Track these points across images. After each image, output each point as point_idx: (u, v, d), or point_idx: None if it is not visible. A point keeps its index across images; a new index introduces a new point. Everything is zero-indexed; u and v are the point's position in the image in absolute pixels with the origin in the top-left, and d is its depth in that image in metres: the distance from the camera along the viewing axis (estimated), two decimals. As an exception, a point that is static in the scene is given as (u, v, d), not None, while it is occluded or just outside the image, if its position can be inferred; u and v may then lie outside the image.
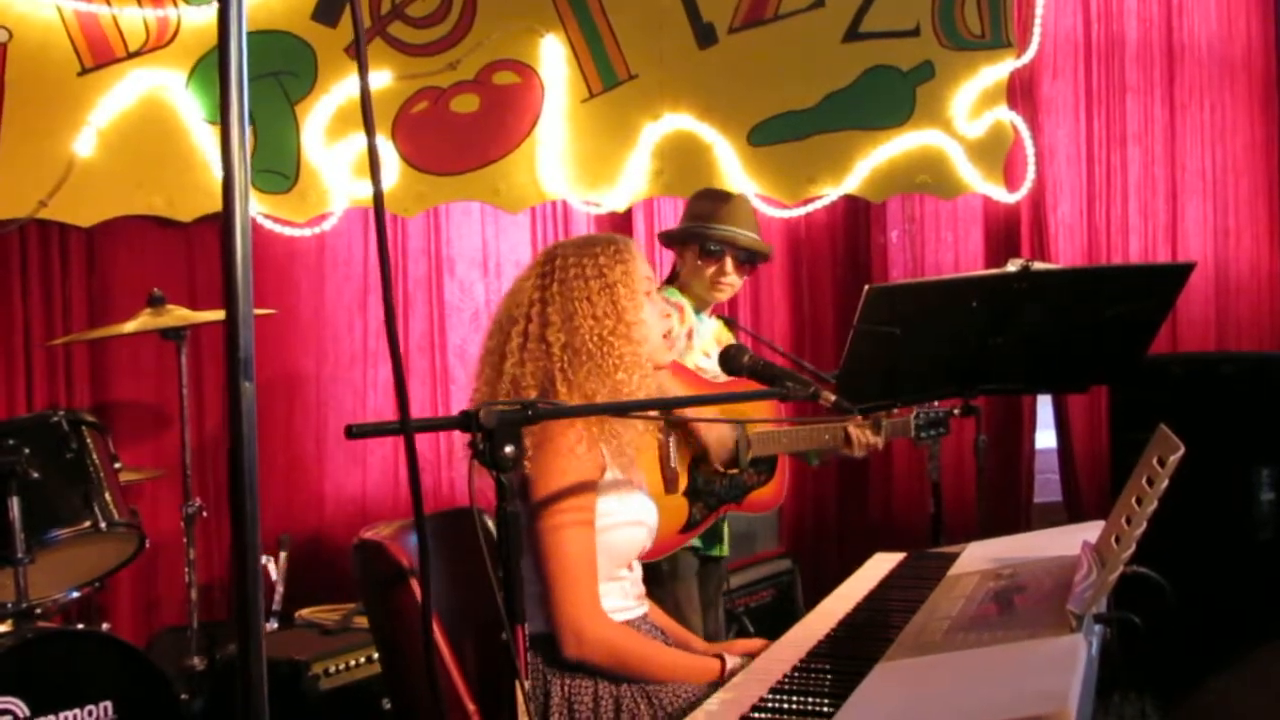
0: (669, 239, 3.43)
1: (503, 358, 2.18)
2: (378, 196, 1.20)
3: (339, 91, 3.93)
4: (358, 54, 1.15)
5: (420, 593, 2.03)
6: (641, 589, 2.28)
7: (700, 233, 3.26)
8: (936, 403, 3.29)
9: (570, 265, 2.20)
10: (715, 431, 3.06)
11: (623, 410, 2.05)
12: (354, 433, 1.54)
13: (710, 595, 3.37)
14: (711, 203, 3.36)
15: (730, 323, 3.47)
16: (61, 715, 2.70)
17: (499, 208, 4.27)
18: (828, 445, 3.20)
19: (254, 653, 1.00)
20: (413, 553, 2.10)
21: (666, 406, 2.12)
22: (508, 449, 1.65)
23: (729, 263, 3.25)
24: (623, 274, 2.21)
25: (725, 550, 3.36)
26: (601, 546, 2.11)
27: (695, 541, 3.13)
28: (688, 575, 3.17)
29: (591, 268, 2.19)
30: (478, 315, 4.32)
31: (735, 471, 3.11)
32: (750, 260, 3.32)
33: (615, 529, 2.14)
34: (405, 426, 1.24)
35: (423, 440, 4.22)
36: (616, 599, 2.17)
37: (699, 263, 3.26)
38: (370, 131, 1.15)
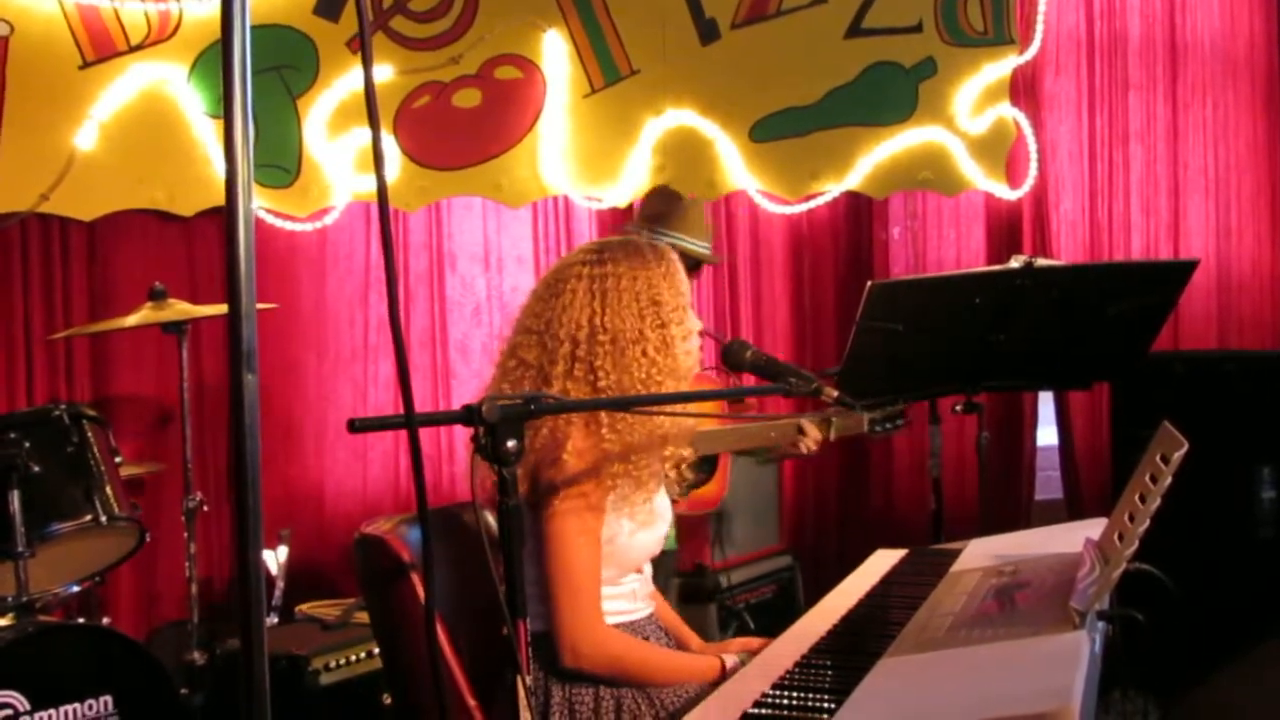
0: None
1: (547, 381, 2.07)
2: (382, 190, 1.20)
3: (341, 86, 3.92)
4: (362, 48, 1.15)
5: (423, 587, 2.03)
6: (651, 587, 2.27)
7: (649, 237, 3.23)
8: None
9: (624, 288, 2.08)
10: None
11: (624, 405, 2.04)
12: (356, 426, 1.54)
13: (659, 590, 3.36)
14: (663, 205, 3.37)
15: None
16: (62, 709, 2.70)
17: (500, 203, 4.26)
18: (773, 443, 3.10)
19: (256, 646, 1.00)
20: (413, 547, 2.10)
21: (662, 403, 2.11)
22: (510, 444, 1.64)
23: None
24: (674, 302, 2.13)
25: (673, 545, 3.36)
26: (613, 556, 2.09)
27: None
28: None
29: (646, 294, 2.09)
30: (479, 310, 4.32)
31: None
32: (696, 267, 3.33)
33: (629, 538, 2.11)
34: (410, 420, 1.24)
35: (423, 435, 4.18)
36: (625, 602, 2.16)
37: None
38: (375, 125, 1.15)
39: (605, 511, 2.07)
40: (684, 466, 2.19)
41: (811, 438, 3.04)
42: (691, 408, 3.05)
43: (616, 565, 2.10)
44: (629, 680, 2.06)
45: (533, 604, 2.00)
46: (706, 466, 3.18)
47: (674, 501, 3.10)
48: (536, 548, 2.04)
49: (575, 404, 2.01)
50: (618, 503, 2.08)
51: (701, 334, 3.39)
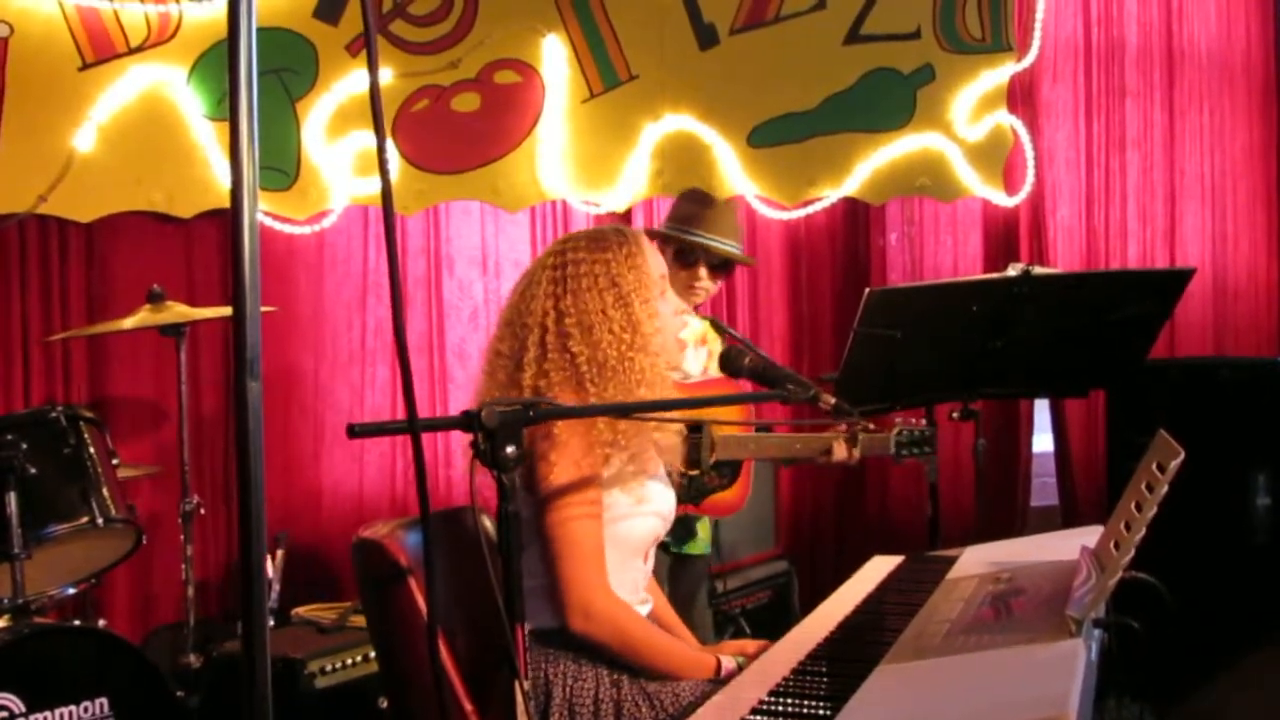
0: (650, 237, 3.42)
1: (520, 367, 2.14)
2: (386, 194, 1.20)
3: (340, 89, 3.93)
4: (368, 52, 1.15)
5: (420, 591, 2.04)
6: (648, 581, 2.29)
7: (676, 237, 3.25)
8: (921, 421, 3.14)
9: (583, 273, 2.15)
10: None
11: (624, 412, 2.05)
12: (356, 432, 1.54)
13: (686, 594, 3.36)
14: (695, 206, 3.35)
15: (717, 324, 3.44)
16: (57, 711, 2.69)
17: (498, 207, 4.27)
18: (798, 455, 3.08)
19: (258, 650, 1.00)
20: (411, 551, 2.10)
21: (667, 408, 2.12)
22: (509, 449, 1.65)
23: (702, 270, 3.26)
24: (635, 282, 2.18)
25: (703, 549, 3.35)
26: (614, 537, 2.11)
27: (664, 539, 3.11)
28: (658, 577, 3.15)
29: (604, 277, 2.16)
30: (476, 314, 4.32)
31: (695, 473, 3.08)
32: (725, 266, 3.32)
33: (626, 519, 2.14)
34: (413, 426, 1.24)
35: (422, 439, 4.20)
36: (627, 592, 2.17)
37: (674, 265, 3.25)
38: (379, 130, 1.15)
39: (601, 485, 2.09)
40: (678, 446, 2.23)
41: (837, 458, 2.97)
42: (721, 416, 3.06)
43: (617, 548, 2.12)
44: (630, 655, 2.07)
45: (533, 602, 2.02)
46: (728, 471, 3.17)
47: (691, 505, 3.12)
48: (537, 530, 2.06)
49: (574, 410, 2.01)
50: (612, 478, 2.11)
51: (725, 337, 3.41)
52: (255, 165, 1.02)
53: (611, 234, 2.25)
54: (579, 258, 2.17)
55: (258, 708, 0.98)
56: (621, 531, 2.13)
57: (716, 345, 3.38)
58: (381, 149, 1.19)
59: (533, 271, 2.24)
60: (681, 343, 2.32)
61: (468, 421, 1.63)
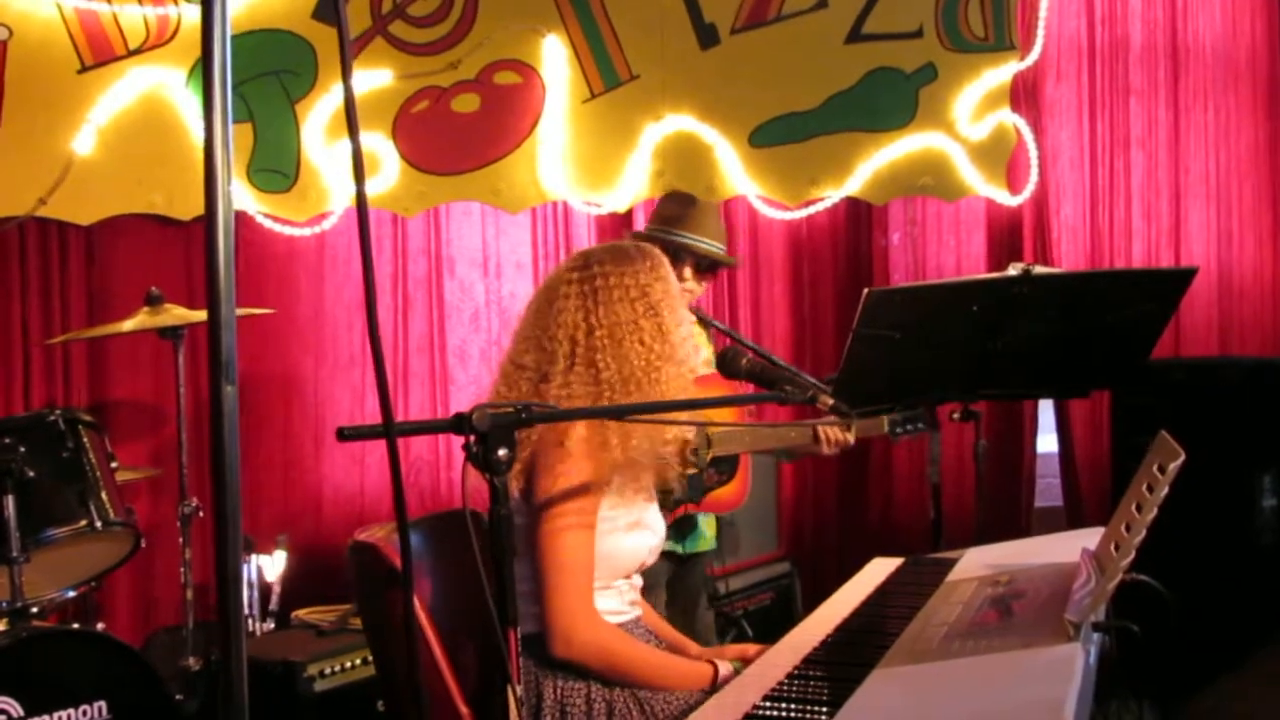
0: (634, 238, 3.43)
1: (545, 379, 2.14)
2: (361, 198, 1.19)
3: (339, 91, 3.92)
4: (341, 56, 1.15)
5: (418, 594, 2.03)
6: (637, 595, 2.27)
7: (659, 237, 3.24)
8: None
9: (613, 285, 2.17)
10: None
11: (618, 414, 2.03)
12: (345, 435, 1.53)
13: (690, 595, 3.35)
14: (677, 207, 3.36)
15: (702, 318, 3.43)
16: (56, 715, 2.69)
17: (499, 208, 4.26)
18: (795, 444, 3.16)
19: (235, 655, 0.99)
20: (407, 555, 2.09)
21: (661, 410, 2.10)
22: (501, 452, 1.63)
23: (687, 269, 3.26)
24: (663, 293, 2.20)
25: (709, 545, 3.35)
26: (606, 557, 2.09)
27: (669, 542, 3.11)
28: (656, 584, 3.15)
29: (635, 288, 2.17)
30: (478, 315, 4.31)
31: (693, 471, 3.08)
32: (711, 268, 3.32)
33: (621, 540, 2.12)
34: (389, 430, 1.23)
35: (422, 441, 4.21)
36: (613, 602, 2.16)
37: None
38: (354, 134, 1.14)
39: (600, 509, 2.08)
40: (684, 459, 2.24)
41: (831, 441, 3.07)
42: (715, 415, 3.06)
43: (606, 568, 2.11)
44: (619, 676, 2.06)
45: (526, 604, 2.01)
46: (727, 467, 3.17)
47: (691, 504, 3.11)
48: (530, 540, 2.04)
49: (568, 413, 2.00)
50: (613, 500, 2.09)
51: (711, 330, 3.41)
52: (229, 171, 1.01)
53: (633, 249, 2.27)
54: (607, 270, 2.18)
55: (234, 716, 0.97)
56: (615, 551, 2.12)
57: (701, 340, 3.38)
58: (357, 154, 1.18)
59: (554, 286, 2.23)
60: (698, 348, 2.33)
61: (458, 424, 1.62)
